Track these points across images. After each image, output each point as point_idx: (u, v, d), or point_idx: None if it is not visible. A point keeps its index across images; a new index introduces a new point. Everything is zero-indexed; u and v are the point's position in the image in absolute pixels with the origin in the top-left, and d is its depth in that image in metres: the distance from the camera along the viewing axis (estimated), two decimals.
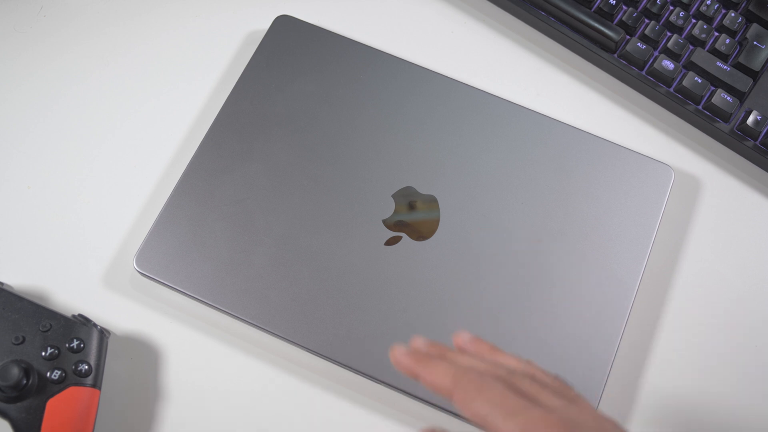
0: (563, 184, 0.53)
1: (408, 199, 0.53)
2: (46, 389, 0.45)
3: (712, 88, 0.56)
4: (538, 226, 0.52)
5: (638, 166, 0.54)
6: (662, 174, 0.54)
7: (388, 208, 0.53)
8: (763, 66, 0.57)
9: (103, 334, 0.48)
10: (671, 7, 0.58)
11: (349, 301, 0.50)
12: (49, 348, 0.46)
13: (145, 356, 0.50)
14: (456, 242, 0.52)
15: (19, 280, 0.52)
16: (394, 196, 0.53)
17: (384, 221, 0.52)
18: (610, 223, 0.52)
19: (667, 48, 0.57)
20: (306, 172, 0.53)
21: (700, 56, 0.56)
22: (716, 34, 0.58)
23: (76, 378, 0.46)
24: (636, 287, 0.51)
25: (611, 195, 0.53)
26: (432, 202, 0.53)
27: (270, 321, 0.49)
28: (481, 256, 0.51)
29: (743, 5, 0.58)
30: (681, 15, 0.57)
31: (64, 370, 0.46)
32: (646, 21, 0.58)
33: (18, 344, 0.46)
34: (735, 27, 0.57)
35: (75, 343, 0.47)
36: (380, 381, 0.48)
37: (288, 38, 0.58)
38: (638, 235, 0.52)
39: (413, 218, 0.52)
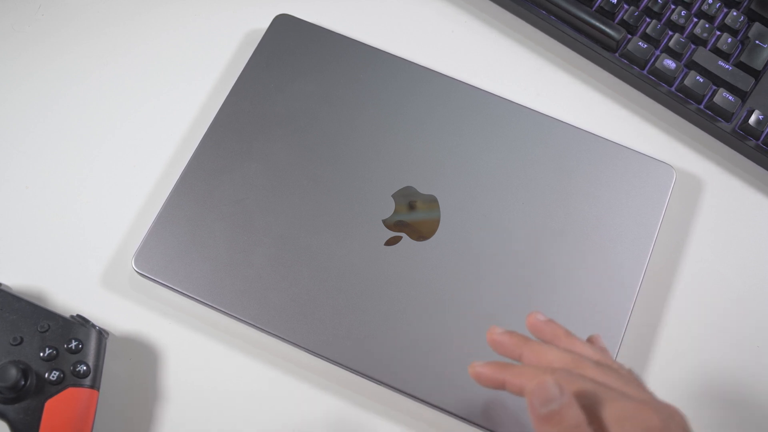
0: (564, 183, 0.53)
1: (408, 199, 0.53)
2: (44, 390, 0.45)
3: (714, 87, 0.56)
4: (538, 226, 0.52)
5: (639, 166, 0.54)
6: (663, 174, 0.54)
7: (388, 208, 0.52)
8: (765, 65, 0.56)
9: (102, 334, 0.48)
10: (672, 6, 0.58)
11: (349, 301, 0.50)
12: (47, 349, 0.46)
13: (144, 357, 0.50)
14: (456, 242, 0.51)
15: (17, 280, 0.52)
16: (394, 196, 0.53)
17: (384, 221, 0.52)
18: (612, 223, 0.52)
19: (669, 47, 0.56)
20: (306, 172, 0.53)
21: (702, 55, 0.56)
22: (718, 33, 0.57)
23: (75, 379, 0.46)
24: (637, 287, 0.50)
25: (612, 195, 0.53)
26: (432, 202, 0.53)
27: (269, 321, 0.49)
28: (482, 257, 0.51)
29: (745, 4, 0.58)
30: (682, 14, 0.57)
31: (62, 371, 0.46)
32: (648, 20, 0.57)
33: (16, 345, 0.46)
34: (737, 26, 0.57)
35: (73, 344, 0.47)
36: (380, 381, 0.48)
37: (287, 37, 0.58)
38: (639, 235, 0.52)
39: (413, 218, 0.52)
